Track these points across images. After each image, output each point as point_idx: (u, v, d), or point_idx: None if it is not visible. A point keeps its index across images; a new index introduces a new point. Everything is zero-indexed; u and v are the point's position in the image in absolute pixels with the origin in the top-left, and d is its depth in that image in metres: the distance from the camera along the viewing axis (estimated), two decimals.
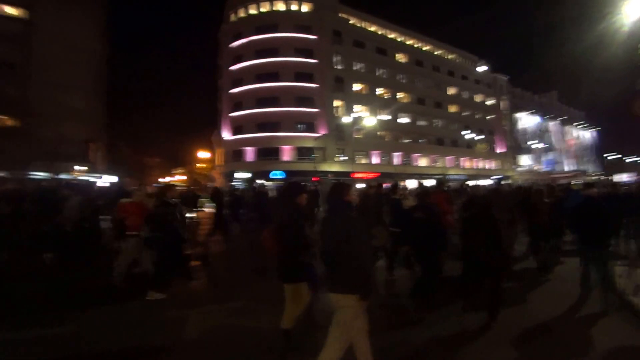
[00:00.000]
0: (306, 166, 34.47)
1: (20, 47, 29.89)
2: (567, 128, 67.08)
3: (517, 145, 56.77)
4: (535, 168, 59.28)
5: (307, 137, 35.77)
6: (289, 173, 34.38)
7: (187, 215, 5.92)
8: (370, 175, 38.62)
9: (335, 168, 36.70)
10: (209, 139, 46.21)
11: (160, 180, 63.06)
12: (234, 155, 38.18)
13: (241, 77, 37.42)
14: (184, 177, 62.01)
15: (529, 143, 57.79)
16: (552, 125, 62.91)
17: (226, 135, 39.37)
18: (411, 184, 39.32)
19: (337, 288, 2.65)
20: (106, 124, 41.53)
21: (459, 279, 4.68)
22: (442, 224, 4.65)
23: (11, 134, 27.82)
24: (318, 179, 31.21)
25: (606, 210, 4.78)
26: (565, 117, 64.78)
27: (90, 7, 33.10)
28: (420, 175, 42.36)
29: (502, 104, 54.98)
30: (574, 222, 5.12)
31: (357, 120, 35.06)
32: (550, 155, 61.43)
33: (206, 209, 6.17)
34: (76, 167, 30.41)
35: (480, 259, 4.05)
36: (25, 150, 27.09)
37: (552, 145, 62.24)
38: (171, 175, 67.26)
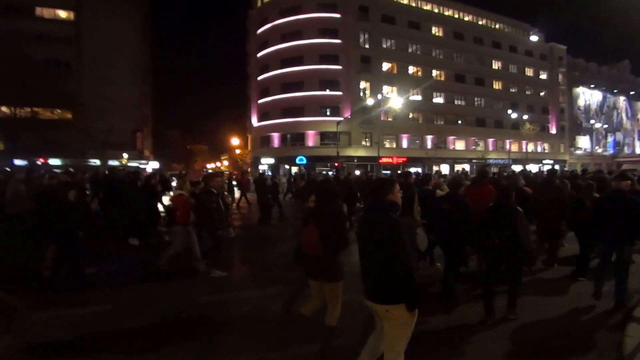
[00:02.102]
0: (330, 151, 33.52)
1: (71, 46, 32.85)
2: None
3: (577, 125, 50.26)
4: (599, 151, 52.30)
5: (332, 122, 34.69)
6: (312, 158, 33.92)
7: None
8: (400, 160, 36.83)
9: (360, 153, 35.44)
10: (245, 126, 47.24)
11: (207, 166, 66.90)
12: (262, 141, 38.55)
13: (267, 63, 37.21)
14: (227, 163, 65.03)
15: (591, 122, 50.86)
16: (622, 101, 54.53)
17: (254, 121, 39.80)
18: (445, 169, 37.18)
19: (380, 298, 2.42)
20: (152, 113, 44.53)
21: (479, 277, 4.48)
22: (470, 217, 4.25)
23: (67, 126, 30.91)
24: (338, 164, 30.39)
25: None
26: (635, 91, 55.51)
27: (132, 4, 34.83)
28: (454, 159, 39.53)
29: (559, 77, 48.67)
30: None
31: (383, 101, 33.15)
32: (617, 136, 53.68)
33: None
34: (124, 155, 33.02)
35: (496, 256, 3.84)
36: (80, 140, 29.99)
37: (620, 124, 54.24)
38: (220, 161, 70.84)
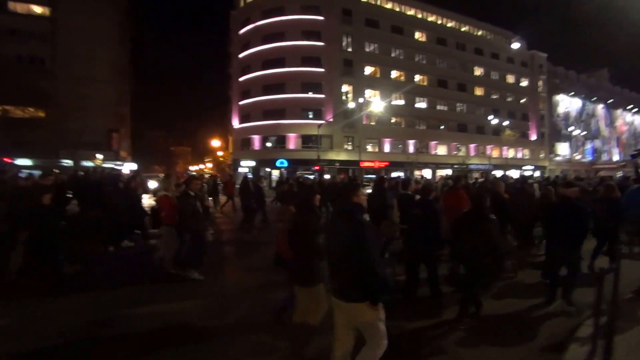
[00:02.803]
0: (312, 154, 33.14)
1: (46, 43, 31.77)
2: (618, 112, 59.39)
3: (556, 132, 51.20)
4: (577, 157, 53.37)
5: (314, 125, 34.36)
6: (293, 162, 33.45)
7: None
8: (381, 164, 36.69)
9: (342, 157, 35.15)
10: (227, 128, 46.43)
11: (191, 168, 65.67)
12: (242, 143, 37.89)
13: (249, 64, 36.66)
14: (211, 166, 63.94)
15: (570, 129, 51.89)
16: (600, 109, 55.89)
17: (235, 123, 39.12)
18: (427, 173, 37.20)
19: (347, 296, 2.51)
20: (132, 113, 43.38)
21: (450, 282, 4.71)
22: (440, 223, 4.51)
23: (39, 125, 29.67)
24: (319, 167, 30.00)
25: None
26: (613, 99, 56.97)
27: (111, 2, 33.96)
28: (436, 164, 39.63)
29: (539, 85, 49.53)
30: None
31: (365, 105, 32.98)
32: (596, 143, 54.94)
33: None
34: (98, 156, 31.95)
35: (470, 261, 3.99)
36: (52, 140, 28.86)
37: (598, 131, 55.55)
38: (204, 163, 69.59)
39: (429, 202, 4.65)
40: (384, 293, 2.49)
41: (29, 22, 31.77)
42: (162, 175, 15.90)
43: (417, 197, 5.85)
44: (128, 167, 35.18)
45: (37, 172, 10.37)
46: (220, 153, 50.79)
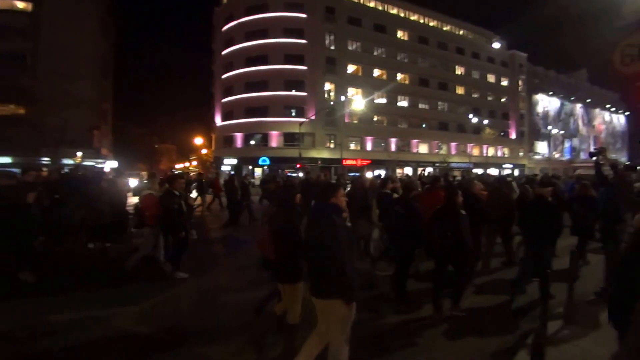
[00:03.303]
0: (294, 152, 33.39)
1: (28, 39, 31.09)
2: (596, 111, 61.15)
3: (535, 130, 52.51)
4: (556, 156, 54.85)
5: (296, 123, 34.53)
6: (275, 160, 33.59)
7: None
8: (364, 162, 37.14)
9: (324, 154, 35.46)
10: (210, 126, 46.16)
11: (177, 166, 64.90)
12: (225, 141, 37.83)
13: (232, 61, 36.54)
14: (196, 164, 63.36)
15: (548, 128, 53.26)
16: (579, 108, 57.48)
17: (218, 121, 39.00)
18: (408, 171, 37.79)
19: (321, 293, 2.64)
20: (114, 110, 42.75)
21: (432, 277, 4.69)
22: (421, 221, 4.55)
23: (20, 122, 29.08)
24: (300, 165, 30.23)
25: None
26: (591, 99, 58.67)
27: None
28: (418, 162, 40.28)
29: (519, 84, 50.66)
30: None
31: (347, 103, 33.31)
32: (574, 142, 56.52)
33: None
34: (78, 153, 31.51)
35: (441, 256, 4.16)
36: (32, 137, 28.35)
37: (577, 130, 57.13)
38: (190, 161, 68.81)
39: (409, 201, 4.74)
40: (353, 291, 2.57)
41: (10, 17, 31.05)
42: (143, 173, 15.66)
43: (395, 195, 5.94)
44: (109, 165, 34.84)
45: (17, 170, 10.26)
46: (204, 151, 50.49)
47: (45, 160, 29.33)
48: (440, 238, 4.05)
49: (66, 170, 13.55)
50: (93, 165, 29.14)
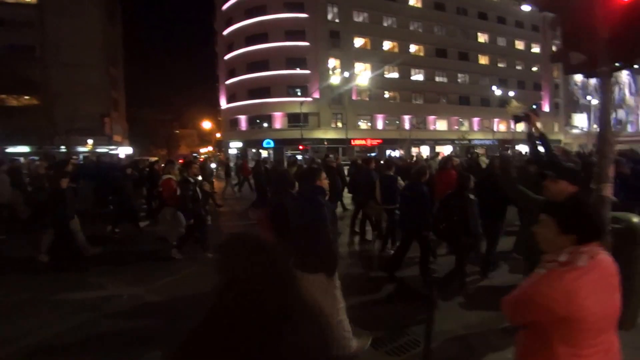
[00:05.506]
0: (298, 134, 31.96)
1: (36, 30, 31.81)
2: None
3: (573, 102, 47.12)
4: (598, 129, 49.09)
5: (299, 102, 33.00)
6: (280, 142, 32.30)
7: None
8: (374, 142, 34.93)
9: (330, 135, 33.61)
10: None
11: (202, 151, 65.68)
12: (230, 124, 37.00)
13: (233, 41, 35.29)
14: (211, 149, 63.74)
15: (588, 98, 47.52)
16: (625, 75, 50.75)
17: (223, 103, 38.21)
18: (425, 150, 35.11)
19: (305, 268, 2.73)
20: (128, 97, 43.43)
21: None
22: (429, 204, 4.67)
23: (34, 112, 30.02)
24: (303, 147, 28.74)
25: None
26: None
27: None
28: (435, 140, 37.40)
29: (553, 50, 45.28)
30: None
31: (352, 79, 31.03)
32: (620, 113, 50.22)
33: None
34: (89, 141, 32.18)
35: (445, 240, 4.43)
36: (47, 127, 29.25)
37: (623, 100, 50.67)
38: (212, 146, 69.50)
39: (419, 184, 4.72)
40: (336, 266, 2.82)
41: (18, 10, 31.80)
42: (152, 159, 16.82)
43: (399, 179, 6.02)
44: (123, 152, 35.30)
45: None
46: (218, 135, 50.32)
47: (61, 148, 30.09)
48: (444, 222, 4.11)
49: (80, 158, 14.44)
50: (106, 152, 29.49)
